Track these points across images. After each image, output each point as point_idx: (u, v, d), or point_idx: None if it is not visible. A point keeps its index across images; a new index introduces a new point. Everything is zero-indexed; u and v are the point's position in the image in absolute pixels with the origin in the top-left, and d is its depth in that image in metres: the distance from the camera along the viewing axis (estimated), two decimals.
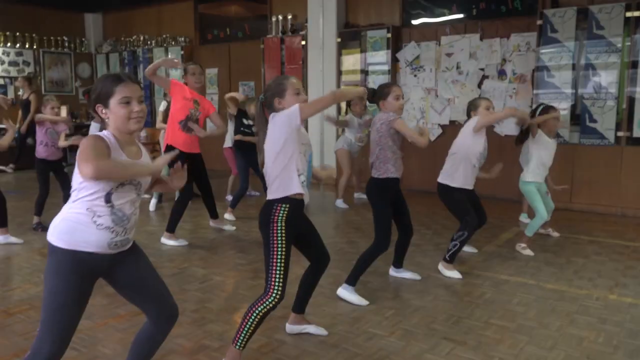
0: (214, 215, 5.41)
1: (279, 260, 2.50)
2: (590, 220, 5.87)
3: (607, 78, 6.03)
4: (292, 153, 2.53)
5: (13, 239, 4.87)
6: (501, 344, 2.87)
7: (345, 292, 3.49)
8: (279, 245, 2.51)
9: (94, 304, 3.43)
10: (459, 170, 4.07)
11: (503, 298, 3.54)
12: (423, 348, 2.83)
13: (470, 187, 4.12)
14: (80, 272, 1.95)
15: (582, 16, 6.10)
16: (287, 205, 2.55)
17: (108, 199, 1.94)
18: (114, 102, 1.96)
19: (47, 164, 5.30)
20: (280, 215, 2.54)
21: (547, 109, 4.64)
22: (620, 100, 6.00)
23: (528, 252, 4.53)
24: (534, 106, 6.36)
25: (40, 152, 5.26)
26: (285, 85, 2.59)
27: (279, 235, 2.52)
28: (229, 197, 6.89)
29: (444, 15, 7.42)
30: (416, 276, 3.93)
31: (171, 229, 4.91)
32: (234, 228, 5.44)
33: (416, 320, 3.18)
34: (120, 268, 2.06)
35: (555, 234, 5.14)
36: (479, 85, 7.06)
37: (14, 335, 2.98)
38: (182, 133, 4.74)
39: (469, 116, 4.24)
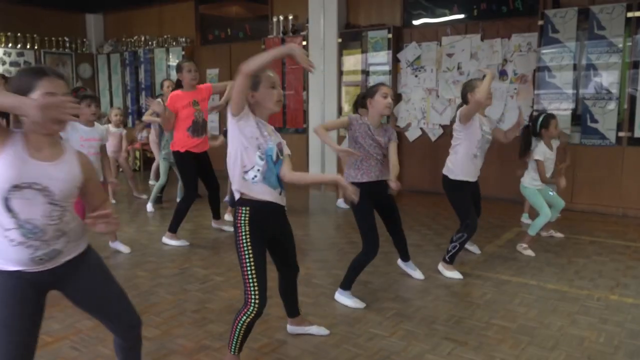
0: (217, 215, 5.41)
1: (248, 267, 2.39)
2: (591, 220, 5.87)
3: (608, 78, 6.03)
4: (237, 148, 2.39)
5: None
6: (502, 344, 2.86)
7: (341, 297, 3.48)
8: (245, 251, 2.40)
9: None
10: (458, 161, 3.96)
11: (504, 298, 3.54)
12: (424, 348, 2.83)
13: (472, 179, 4.00)
14: (13, 291, 1.78)
15: (583, 16, 6.09)
16: (247, 208, 2.41)
17: (7, 206, 1.71)
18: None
19: None
20: (243, 219, 2.41)
21: (548, 118, 4.53)
22: (621, 101, 5.99)
23: (529, 252, 4.52)
24: (533, 110, 6.39)
25: None
26: (259, 78, 2.41)
27: (244, 240, 2.40)
28: (227, 199, 6.90)
29: (444, 15, 7.42)
30: (420, 275, 3.93)
31: (173, 229, 4.91)
32: None
33: (417, 321, 3.18)
34: (70, 283, 1.92)
35: (559, 235, 5.13)
36: None
37: None
38: (193, 139, 4.82)
39: (464, 100, 4.01)
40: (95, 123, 4.25)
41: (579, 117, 6.24)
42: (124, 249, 4.63)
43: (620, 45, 5.90)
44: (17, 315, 1.79)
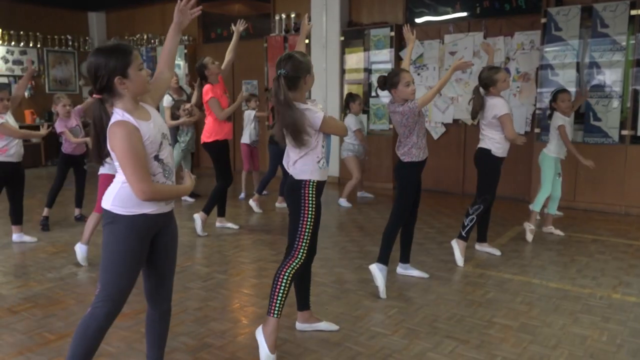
0: (223, 212, 5.43)
1: (308, 225, 2.69)
2: (593, 218, 5.86)
3: (611, 76, 6.01)
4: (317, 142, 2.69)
5: (27, 238, 4.90)
6: (504, 343, 2.86)
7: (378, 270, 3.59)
8: (309, 214, 2.69)
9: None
10: (504, 140, 4.21)
11: (506, 297, 3.54)
12: (426, 346, 2.83)
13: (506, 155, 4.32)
14: (146, 232, 2.11)
15: (587, 14, 6.07)
16: (315, 182, 2.70)
17: (157, 157, 2.09)
18: (132, 69, 2.02)
19: (69, 158, 5.42)
20: (310, 191, 2.70)
21: (557, 93, 5.06)
22: (624, 99, 5.98)
23: (559, 232, 5.09)
24: (536, 109, 6.38)
25: (66, 147, 5.37)
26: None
27: (310, 207, 2.71)
28: (243, 195, 6.91)
29: (447, 13, 7.41)
30: (424, 274, 3.94)
31: (209, 212, 5.18)
32: (238, 227, 5.44)
33: (419, 319, 3.18)
34: (163, 233, 2.19)
35: (558, 232, 5.13)
36: None
37: (18, 333, 2.99)
38: (227, 124, 5.13)
39: (486, 89, 4.25)
40: None
41: (582, 115, 6.22)
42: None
43: (624, 43, 5.88)
44: (144, 251, 2.13)
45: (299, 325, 3.03)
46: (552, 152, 5.01)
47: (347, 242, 4.90)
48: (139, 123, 2.01)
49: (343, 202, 6.58)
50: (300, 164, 2.69)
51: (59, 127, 5.22)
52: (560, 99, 4.97)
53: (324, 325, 3.02)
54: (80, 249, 4.19)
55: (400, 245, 3.89)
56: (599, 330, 3.01)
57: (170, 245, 2.25)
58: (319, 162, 2.67)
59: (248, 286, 3.81)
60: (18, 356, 2.73)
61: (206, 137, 5.11)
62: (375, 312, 3.28)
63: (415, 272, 3.95)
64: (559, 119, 4.95)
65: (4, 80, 10.36)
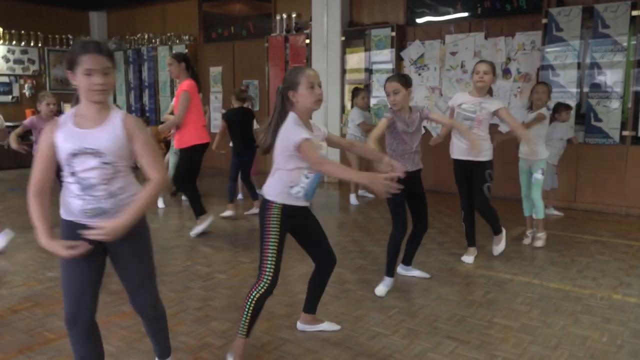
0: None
1: (271, 246, 2.55)
2: (594, 219, 5.85)
3: (612, 77, 6.00)
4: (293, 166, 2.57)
5: None
6: (505, 343, 2.86)
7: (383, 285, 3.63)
8: (273, 234, 2.55)
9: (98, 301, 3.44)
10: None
11: (506, 297, 3.54)
12: (426, 347, 2.83)
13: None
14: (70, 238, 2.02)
15: (588, 15, 6.07)
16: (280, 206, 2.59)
17: (70, 165, 2.02)
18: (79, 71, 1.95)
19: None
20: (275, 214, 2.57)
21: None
22: (625, 100, 5.97)
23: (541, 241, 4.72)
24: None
25: (35, 148, 5.25)
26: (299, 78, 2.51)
27: (273, 225, 2.58)
28: (241, 197, 6.91)
29: (448, 13, 7.40)
30: (425, 274, 3.94)
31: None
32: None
33: (419, 319, 3.18)
34: (112, 245, 2.07)
35: (540, 240, 4.80)
36: None
37: (18, 332, 2.99)
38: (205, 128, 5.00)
39: None
40: None
41: (583, 116, 6.22)
42: None
43: (625, 44, 5.88)
44: (72, 260, 2.00)
45: (300, 326, 3.03)
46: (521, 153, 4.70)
47: (348, 242, 4.89)
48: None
49: (353, 199, 6.60)
50: (271, 182, 2.58)
51: (29, 123, 5.05)
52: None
53: (326, 325, 3.02)
54: None
55: (405, 247, 3.85)
56: (599, 331, 3.01)
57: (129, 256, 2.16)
58: (292, 187, 2.52)
59: (248, 286, 3.77)
60: (18, 355, 2.73)
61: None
62: (376, 312, 3.28)
63: (417, 273, 3.94)
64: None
65: (5, 79, 10.38)
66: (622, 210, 6.11)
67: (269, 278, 2.52)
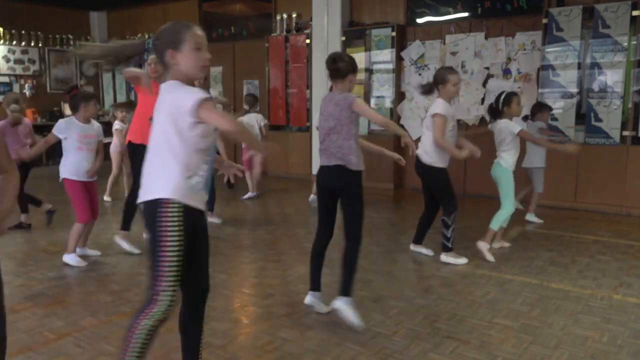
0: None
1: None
2: (594, 219, 5.85)
3: (612, 77, 6.00)
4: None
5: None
6: (505, 343, 2.86)
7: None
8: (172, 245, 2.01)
9: (98, 301, 3.45)
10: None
11: (507, 297, 3.54)
12: (426, 347, 2.82)
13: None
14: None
15: (588, 15, 6.07)
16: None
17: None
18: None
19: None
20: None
21: (510, 96, 4.36)
22: (625, 100, 5.97)
23: (490, 257, 4.31)
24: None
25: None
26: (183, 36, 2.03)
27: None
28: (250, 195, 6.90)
29: (448, 13, 7.40)
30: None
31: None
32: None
33: (420, 319, 3.18)
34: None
35: (507, 244, 4.76)
36: (484, 84, 7.04)
37: (18, 332, 2.99)
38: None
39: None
40: (92, 120, 4.29)
41: (583, 116, 6.22)
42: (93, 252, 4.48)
43: (625, 44, 5.88)
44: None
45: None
46: (509, 164, 4.32)
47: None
48: None
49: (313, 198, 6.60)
50: (157, 174, 1.96)
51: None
52: (514, 102, 4.33)
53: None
54: (70, 259, 4.17)
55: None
56: (599, 331, 3.01)
57: None
58: (189, 178, 1.96)
59: (248, 286, 3.80)
60: (19, 355, 2.73)
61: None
62: (376, 312, 3.28)
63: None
64: (513, 125, 4.28)
65: (5, 79, 10.38)
66: (622, 211, 6.11)
67: (168, 300, 1.96)
